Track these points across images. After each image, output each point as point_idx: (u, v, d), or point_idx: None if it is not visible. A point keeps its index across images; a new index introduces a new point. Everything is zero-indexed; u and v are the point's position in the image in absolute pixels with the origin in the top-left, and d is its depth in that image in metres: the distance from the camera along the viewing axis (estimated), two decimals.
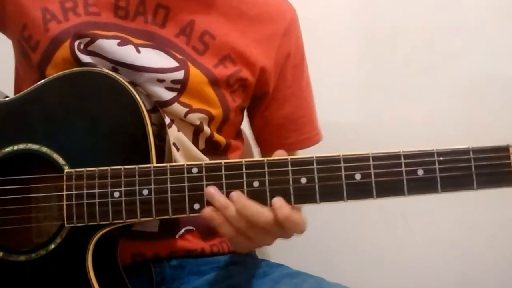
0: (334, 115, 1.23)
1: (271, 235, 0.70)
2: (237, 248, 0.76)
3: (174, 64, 0.83)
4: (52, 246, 0.73)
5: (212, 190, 0.69)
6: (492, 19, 1.23)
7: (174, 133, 0.84)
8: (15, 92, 0.90)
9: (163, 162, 0.74)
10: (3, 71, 0.92)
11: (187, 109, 0.84)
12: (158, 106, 0.83)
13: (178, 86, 0.83)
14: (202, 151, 0.88)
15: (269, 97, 0.93)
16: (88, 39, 0.81)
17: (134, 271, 0.83)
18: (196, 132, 0.87)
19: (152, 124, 0.80)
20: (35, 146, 0.75)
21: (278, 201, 0.68)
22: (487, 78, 1.23)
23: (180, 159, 0.85)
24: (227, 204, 0.68)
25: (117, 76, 0.75)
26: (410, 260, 1.26)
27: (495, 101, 1.23)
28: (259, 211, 0.68)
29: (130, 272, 0.80)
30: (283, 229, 0.69)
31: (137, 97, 0.75)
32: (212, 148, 0.89)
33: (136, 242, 0.84)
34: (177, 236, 0.87)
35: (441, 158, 0.67)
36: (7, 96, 0.80)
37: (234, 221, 0.68)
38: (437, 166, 0.67)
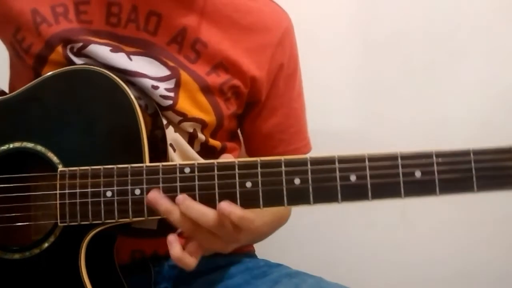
0: (333, 119, 1.21)
1: (219, 238, 0.67)
2: None
3: (166, 72, 0.81)
4: (46, 244, 0.71)
5: (155, 194, 0.66)
6: (493, 21, 1.19)
7: (171, 134, 0.82)
8: (10, 89, 0.88)
9: None
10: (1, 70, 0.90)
11: (181, 118, 0.82)
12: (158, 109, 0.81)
13: (172, 94, 0.81)
14: (198, 154, 0.85)
15: (260, 106, 0.90)
16: (81, 44, 0.79)
17: (133, 270, 0.82)
18: (191, 138, 0.84)
19: (158, 128, 0.78)
20: (30, 145, 0.72)
21: (227, 205, 0.65)
22: (488, 79, 1.20)
23: (177, 160, 0.82)
24: (171, 209, 0.66)
25: (111, 74, 0.73)
26: (409, 258, 1.24)
27: (498, 103, 1.19)
28: (203, 212, 0.65)
29: (129, 271, 0.78)
30: (236, 230, 0.66)
31: (131, 95, 0.72)
32: (208, 152, 0.87)
33: (135, 239, 0.82)
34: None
35: (440, 160, 0.63)
36: (2, 91, 0.79)
37: (179, 224, 0.66)
38: (435, 167, 0.63)
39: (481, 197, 1.10)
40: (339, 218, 1.20)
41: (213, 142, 0.86)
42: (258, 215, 0.69)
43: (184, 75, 0.82)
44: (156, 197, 0.66)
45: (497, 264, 1.23)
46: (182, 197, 0.66)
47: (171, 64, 0.82)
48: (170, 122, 0.82)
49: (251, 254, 0.95)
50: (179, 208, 0.66)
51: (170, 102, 0.80)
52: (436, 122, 1.19)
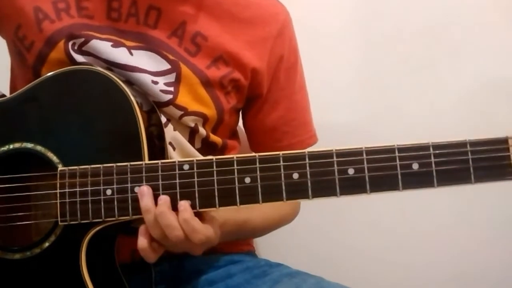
0: (333, 115, 1.19)
1: (183, 248, 0.69)
2: None
3: (166, 66, 0.81)
4: (46, 244, 0.70)
5: (145, 190, 0.67)
6: (492, 17, 1.18)
7: (170, 133, 0.81)
8: (11, 91, 0.87)
9: None
10: (1, 69, 0.90)
11: (182, 112, 0.81)
12: (155, 106, 0.80)
13: (172, 89, 0.80)
14: (199, 151, 0.84)
15: (262, 99, 0.89)
16: (82, 39, 0.78)
17: (134, 269, 0.80)
18: (192, 133, 0.83)
19: (152, 125, 0.77)
20: (29, 145, 0.72)
21: (183, 204, 0.66)
22: (487, 75, 1.19)
23: (176, 159, 0.81)
24: (150, 209, 0.66)
25: (110, 74, 0.72)
26: (410, 259, 1.22)
27: (497, 101, 1.18)
28: (172, 225, 0.65)
29: (130, 271, 0.76)
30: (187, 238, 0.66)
31: (130, 94, 0.71)
32: (208, 148, 0.86)
33: (135, 238, 0.80)
34: None
35: (437, 152, 0.62)
36: (3, 94, 0.78)
37: (150, 228, 0.66)
38: (432, 159, 0.62)
39: (482, 198, 1.10)
40: (340, 218, 1.18)
41: (214, 138, 0.86)
42: (243, 217, 0.70)
43: (185, 69, 0.81)
44: (145, 192, 0.66)
45: (498, 267, 1.21)
46: (163, 199, 0.66)
47: (171, 57, 0.81)
48: (170, 119, 0.81)
49: (252, 254, 0.93)
50: (155, 210, 0.66)
51: (170, 96, 0.80)
52: (436, 118, 1.18)
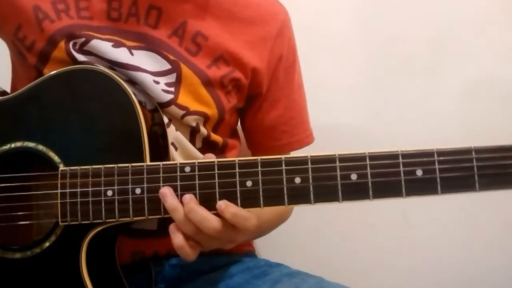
0: (335, 116, 1.17)
1: (218, 240, 0.65)
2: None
3: (167, 66, 0.79)
4: (47, 244, 0.68)
5: (166, 191, 0.64)
6: (494, 21, 1.16)
7: (172, 133, 0.79)
8: (12, 89, 0.85)
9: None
10: (1, 68, 0.87)
11: (184, 112, 0.79)
12: (158, 106, 0.77)
13: (172, 89, 0.78)
14: (200, 150, 0.82)
15: (261, 98, 0.88)
16: (83, 39, 0.76)
17: (134, 270, 0.79)
18: (192, 133, 0.82)
19: (156, 124, 0.75)
20: (31, 144, 0.70)
21: (222, 203, 0.63)
22: (490, 79, 1.17)
23: (178, 159, 0.80)
24: (176, 207, 0.64)
25: (112, 74, 0.70)
26: (410, 260, 1.20)
27: (498, 103, 1.16)
28: (206, 218, 0.63)
29: (130, 271, 0.75)
30: (233, 229, 0.64)
31: (132, 94, 0.69)
32: (209, 147, 0.84)
33: (135, 240, 0.79)
34: None
35: (441, 158, 0.59)
36: (4, 91, 0.76)
37: (182, 225, 0.64)
38: (437, 166, 0.59)
39: (485, 200, 1.07)
40: (340, 218, 1.16)
41: (215, 137, 0.84)
42: (255, 213, 0.66)
43: (185, 69, 0.79)
44: (167, 192, 0.64)
45: (500, 269, 1.19)
46: (188, 197, 0.64)
47: (171, 57, 0.79)
48: (172, 119, 0.79)
49: (252, 254, 0.92)
50: (184, 209, 0.64)
51: (171, 96, 0.78)
52: (439, 121, 1.16)
